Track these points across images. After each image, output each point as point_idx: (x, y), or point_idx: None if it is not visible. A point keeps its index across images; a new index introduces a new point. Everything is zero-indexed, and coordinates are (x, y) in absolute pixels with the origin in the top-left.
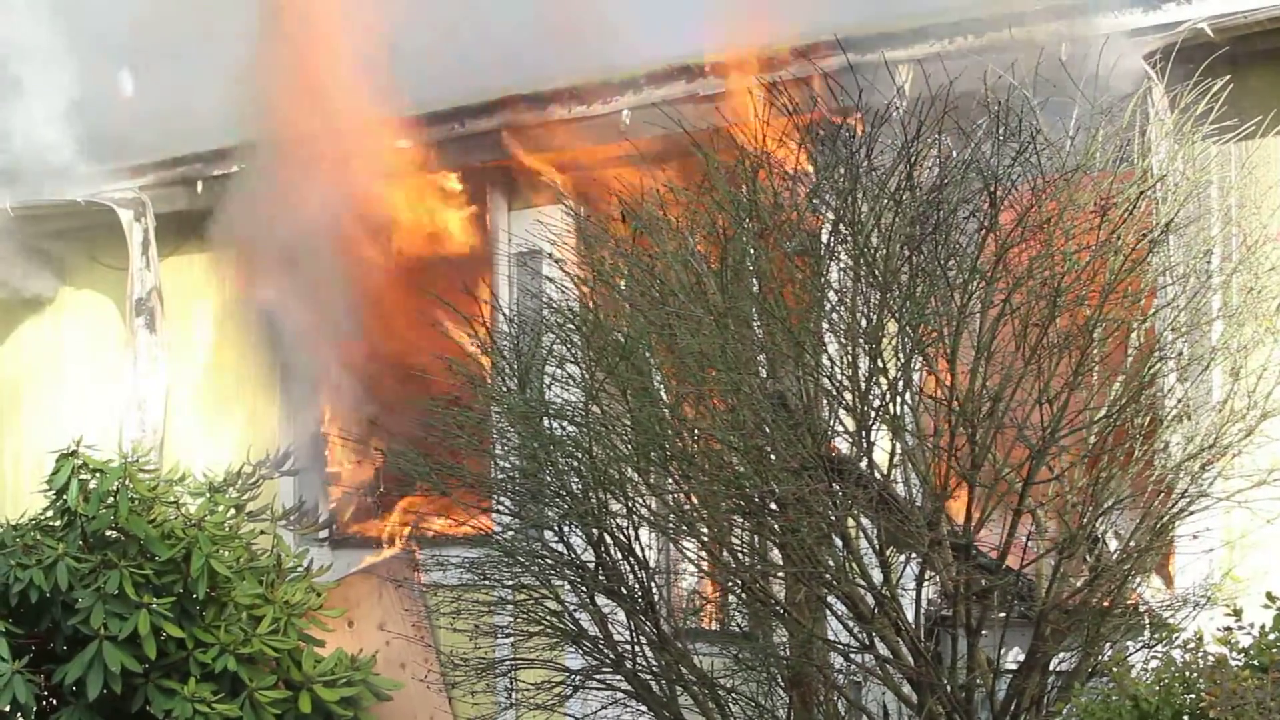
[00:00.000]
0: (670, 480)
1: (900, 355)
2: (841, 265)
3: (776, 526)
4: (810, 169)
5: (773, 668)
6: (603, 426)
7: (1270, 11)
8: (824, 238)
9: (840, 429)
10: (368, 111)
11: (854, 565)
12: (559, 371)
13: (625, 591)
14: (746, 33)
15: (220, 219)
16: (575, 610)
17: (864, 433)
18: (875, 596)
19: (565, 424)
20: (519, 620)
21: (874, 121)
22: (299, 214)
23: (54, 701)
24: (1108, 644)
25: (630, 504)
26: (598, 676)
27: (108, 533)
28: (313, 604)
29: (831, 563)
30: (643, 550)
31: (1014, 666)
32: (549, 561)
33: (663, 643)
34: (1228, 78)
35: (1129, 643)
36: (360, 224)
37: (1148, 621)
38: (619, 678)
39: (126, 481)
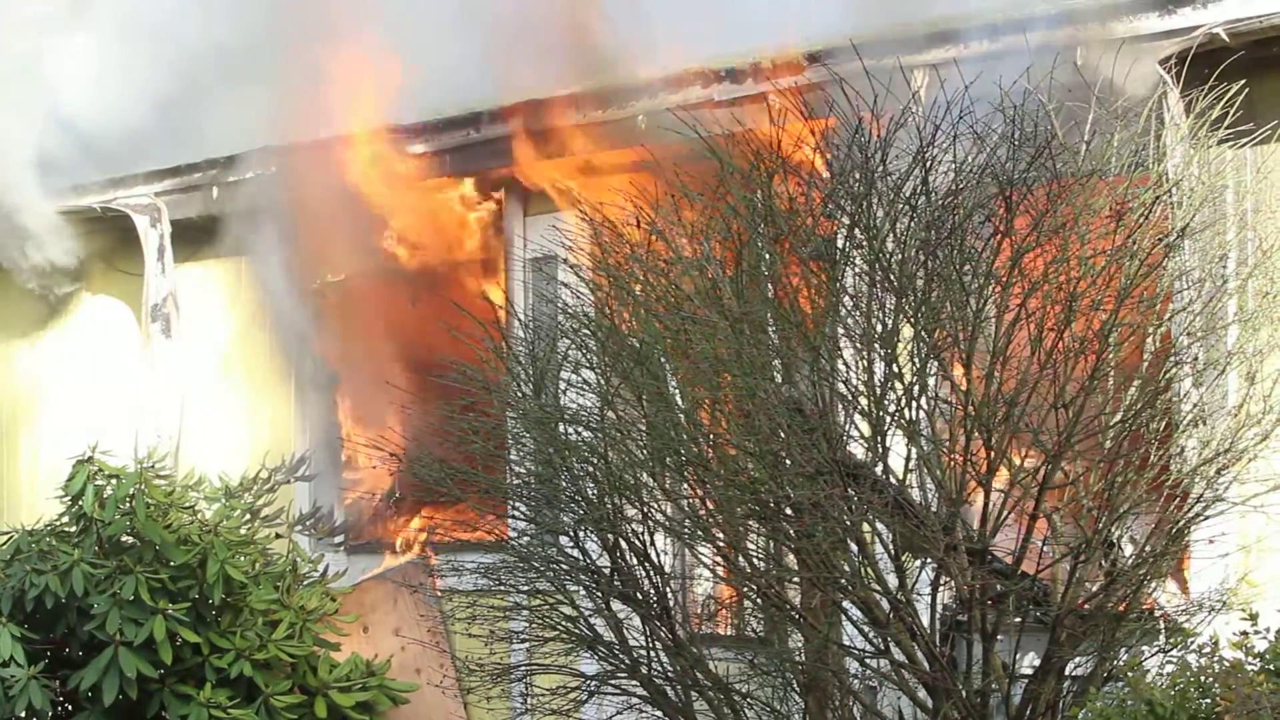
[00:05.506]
0: (685, 485)
1: (915, 360)
2: (857, 270)
3: (792, 531)
4: (826, 173)
5: (788, 673)
6: (618, 432)
7: None
8: (839, 242)
9: (855, 434)
10: (382, 117)
11: (869, 570)
12: (574, 377)
13: (640, 597)
14: (761, 38)
15: (235, 225)
16: (590, 615)
17: (879, 438)
18: (891, 601)
19: (580, 429)
20: (534, 626)
21: (890, 126)
22: (312, 221)
23: (69, 707)
24: (1123, 649)
25: (645, 509)
26: (613, 682)
27: (123, 538)
28: (328, 609)
29: (847, 568)
30: (658, 555)
31: (1029, 671)
32: (564, 567)
33: (678, 648)
34: (1243, 82)
35: (1144, 647)
36: (374, 230)
37: (1163, 626)
38: (634, 683)
39: (142, 487)
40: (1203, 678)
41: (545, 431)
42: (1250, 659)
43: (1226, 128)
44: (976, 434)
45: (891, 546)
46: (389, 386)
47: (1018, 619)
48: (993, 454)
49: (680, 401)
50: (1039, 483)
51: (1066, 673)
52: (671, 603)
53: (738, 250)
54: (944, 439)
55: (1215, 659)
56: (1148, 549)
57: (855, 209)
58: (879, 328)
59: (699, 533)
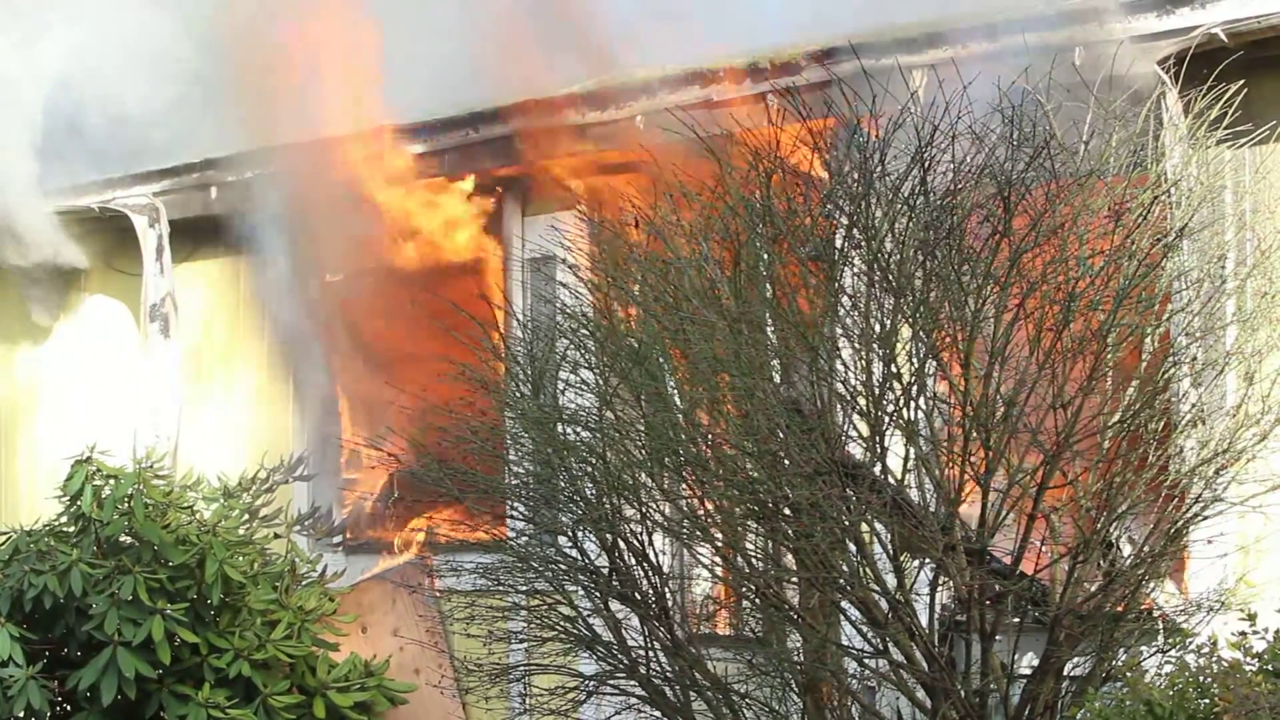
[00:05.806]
0: (684, 485)
1: (914, 360)
2: (855, 270)
3: (790, 532)
4: (824, 174)
5: (787, 673)
6: (617, 432)
7: None
8: (838, 242)
9: (854, 434)
10: (380, 117)
11: (868, 570)
12: (573, 377)
13: (639, 597)
14: (762, 38)
15: (234, 225)
16: (589, 616)
17: (878, 438)
18: (889, 601)
19: (579, 429)
20: (533, 626)
21: (888, 126)
22: (311, 221)
23: (68, 707)
24: (1122, 649)
25: (644, 509)
26: (611, 682)
27: (122, 538)
28: (327, 609)
29: (845, 568)
30: (656, 555)
31: (1028, 671)
32: (563, 567)
33: (676, 648)
34: (1241, 83)
35: (1143, 648)
36: (373, 230)
37: (1162, 626)
38: (633, 683)
39: (140, 487)
40: (1201, 678)
41: (544, 431)
42: (1249, 659)
43: (1225, 128)
44: (975, 434)
45: (890, 546)
46: (387, 386)
47: (1016, 619)
48: (991, 454)
49: (679, 401)
50: (1037, 483)
51: (1065, 673)
52: (670, 603)
53: (736, 250)
54: (942, 439)
55: (1214, 659)
56: (1146, 549)
57: (854, 209)
58: (877, 328)
59: (697, 533)
